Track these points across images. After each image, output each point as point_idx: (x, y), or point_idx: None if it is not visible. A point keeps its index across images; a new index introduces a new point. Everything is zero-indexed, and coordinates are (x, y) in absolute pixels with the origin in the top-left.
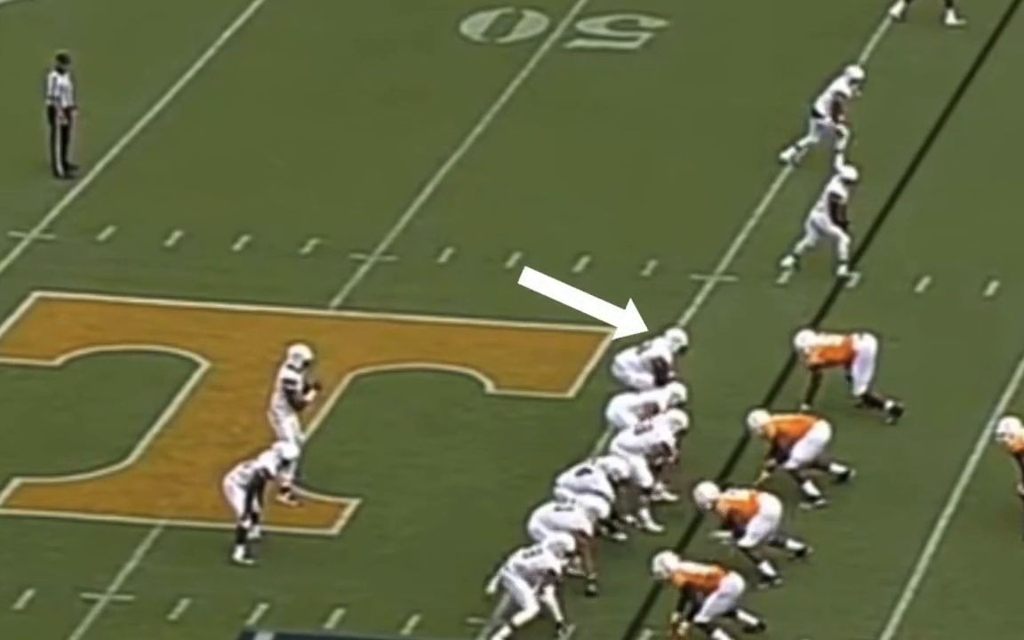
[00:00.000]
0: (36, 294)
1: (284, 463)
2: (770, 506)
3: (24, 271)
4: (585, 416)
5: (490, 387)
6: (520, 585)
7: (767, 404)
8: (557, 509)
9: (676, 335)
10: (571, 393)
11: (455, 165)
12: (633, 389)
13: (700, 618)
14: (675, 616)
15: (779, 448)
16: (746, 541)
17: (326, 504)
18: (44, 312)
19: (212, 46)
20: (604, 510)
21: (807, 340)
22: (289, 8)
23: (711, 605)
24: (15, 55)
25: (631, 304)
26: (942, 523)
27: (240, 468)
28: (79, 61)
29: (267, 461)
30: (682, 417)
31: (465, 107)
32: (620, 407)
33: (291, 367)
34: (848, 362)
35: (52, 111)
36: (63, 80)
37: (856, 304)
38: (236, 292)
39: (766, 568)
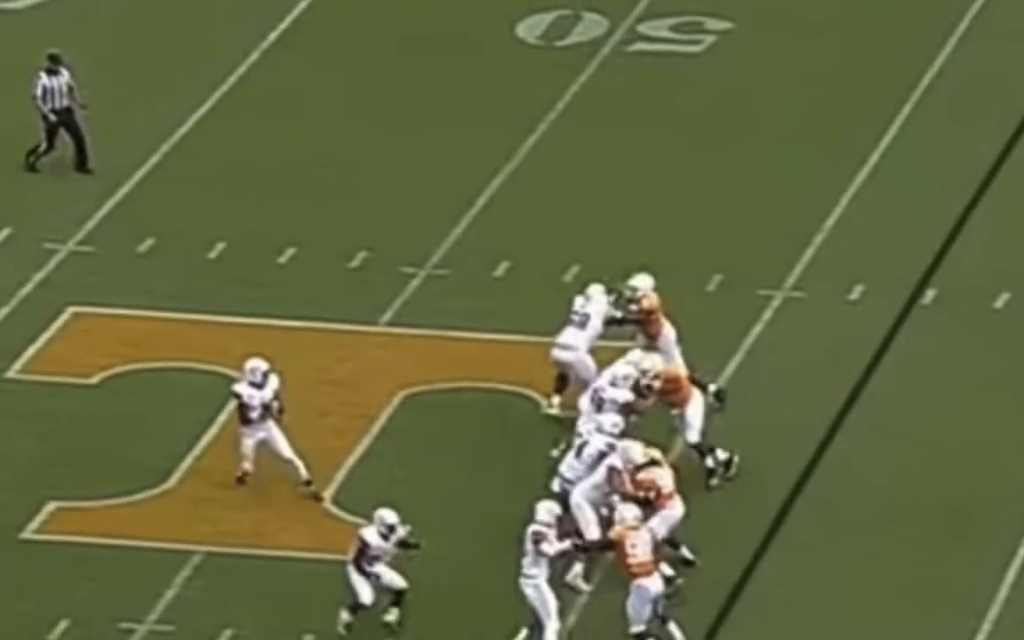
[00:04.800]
0: (72, 309)
1: (391, 529)
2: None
3: (59, 285)
4: (649, 438)
5: (547, 407)
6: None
7: (836, 426)
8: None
9: (626, 372)
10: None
11: (510, 175)
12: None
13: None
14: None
15: None
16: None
17: None
18: (80, 328)
19: (256, 50)
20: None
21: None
22: (336, 11)
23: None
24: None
25: (694, 321)
26: (1022, 551)
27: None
28: (118, 65)
29: (369, 534)
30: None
31: (520, 114)
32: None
33: (251, 383)
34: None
35: (56, 112)
36: (54, 81)
37: (931, 320)
38: (281, 307)
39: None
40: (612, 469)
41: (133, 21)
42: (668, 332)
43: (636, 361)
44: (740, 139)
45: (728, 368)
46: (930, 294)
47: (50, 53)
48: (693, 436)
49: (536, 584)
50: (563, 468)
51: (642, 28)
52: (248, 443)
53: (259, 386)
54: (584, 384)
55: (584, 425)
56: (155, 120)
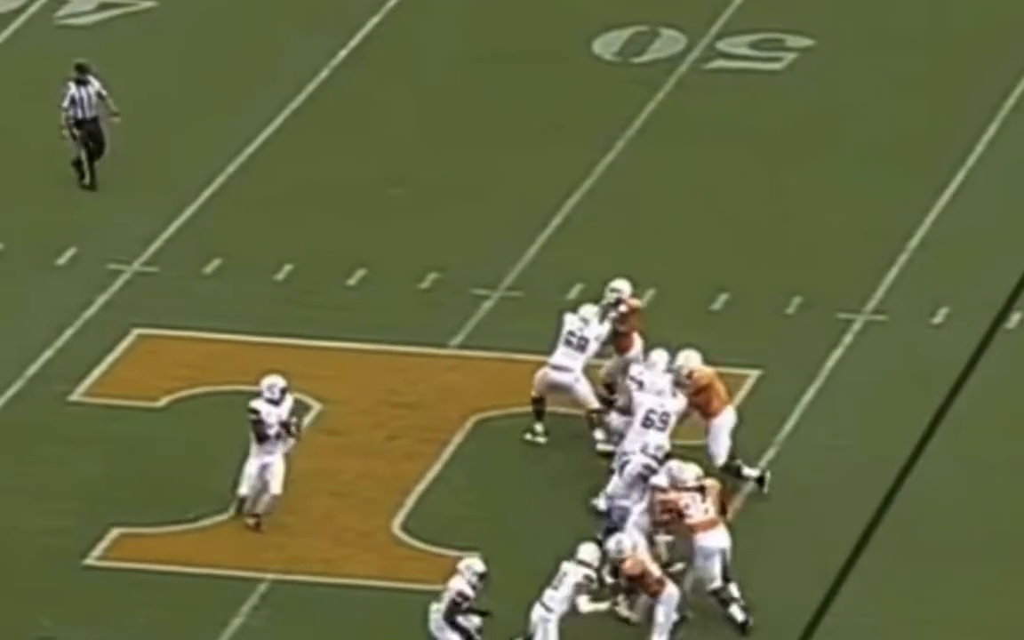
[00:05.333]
0: (137, 331)
1: (482, 578)
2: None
3: (124, 306)
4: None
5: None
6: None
7: (918, 452)
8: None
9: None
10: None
11: (585, 194)
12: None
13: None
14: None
15: None
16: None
17: (445, 558)
18: (145, 350)
19: (326, 66)
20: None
21: (692, 361)
22: (408, 26)
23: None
24: (113, 75)
25: (773, 345)
26: None
27: (435, 607)
28: (184, 81)
29: (460, 585)
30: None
31: (596, 132)
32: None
33: (269, 400)
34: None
35: (79, 123)
36: (83, 91)
37: (1016, 344)
38: (350, 329)
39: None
40: (654, 488)
41: (200, 36)
42: (638, 345)
43: (677, 367)
44: (821, 158)
45: (807, 393)
46: (1016, 317)
47: (78, 63)
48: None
49: (550, 619)
50: (609, 487)
51: (721, 45)
52: (254, 464)
53: (276, 403)
54: (583, 404)
55: (631, 444)
56: (222, 137)
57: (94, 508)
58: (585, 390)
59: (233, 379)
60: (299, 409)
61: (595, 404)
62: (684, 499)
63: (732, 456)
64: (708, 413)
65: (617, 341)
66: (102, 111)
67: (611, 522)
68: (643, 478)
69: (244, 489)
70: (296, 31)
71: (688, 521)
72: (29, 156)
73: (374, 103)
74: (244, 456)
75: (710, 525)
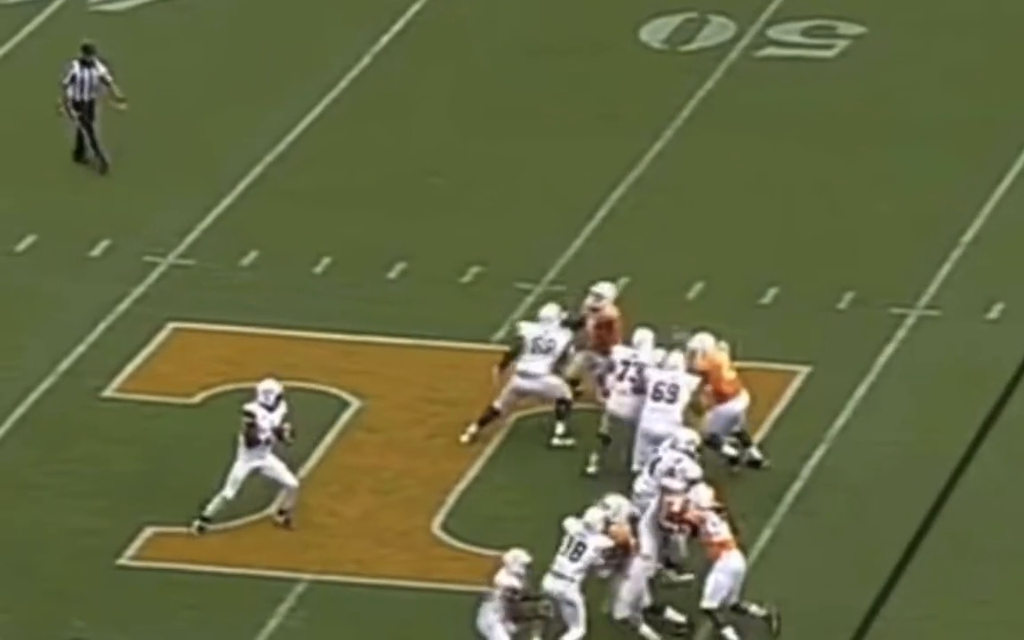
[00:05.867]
0: (172, 325)
1: (528, 568)
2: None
3: (159, 299)
4: (773, 465)
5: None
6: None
7: (971, 452)
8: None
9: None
10: (757, 439)
11: (631, 185)
12: None
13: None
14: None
15: None
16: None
17: (485, 558)
18: (181, 344)
19: (367, 54)
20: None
21: (705, 343)
22: (449, 14)
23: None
24: (149, 62)
25: (824, 340)
26: None
27: (487, 605)
28: (221, 70)
29: (509, 580)
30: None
31: (643, 121)
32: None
33: (263, 404)
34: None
35: (77, 104)
36: (86, 72)
37: None
38: (390, 324)
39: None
40: (665, 489)
41: (238, 23)
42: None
43: (691, 349)
44: (873, 148)
45: (859, 390)
46: None
47: (84, 43)
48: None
49: (573, 587)
50: (638, 485)
51: (771, 32)
52: (243, 469)
53: (271, 408)
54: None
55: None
56: (260, 127)
57: (127, 507)
58: (555, 382)
59: (270, 374)
60: (292, 415)
61: (567, 394)
62: (706, 517)
63: (746, 443)
64: (720, 397)
65: (597, 340)
66: (104, 96)
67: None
68: (671, 472)
69: (230, 492)
70: (337, 18)
71: (714, 539)
72: (62, 145)
73: (416, 92)
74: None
75: (730, 546)
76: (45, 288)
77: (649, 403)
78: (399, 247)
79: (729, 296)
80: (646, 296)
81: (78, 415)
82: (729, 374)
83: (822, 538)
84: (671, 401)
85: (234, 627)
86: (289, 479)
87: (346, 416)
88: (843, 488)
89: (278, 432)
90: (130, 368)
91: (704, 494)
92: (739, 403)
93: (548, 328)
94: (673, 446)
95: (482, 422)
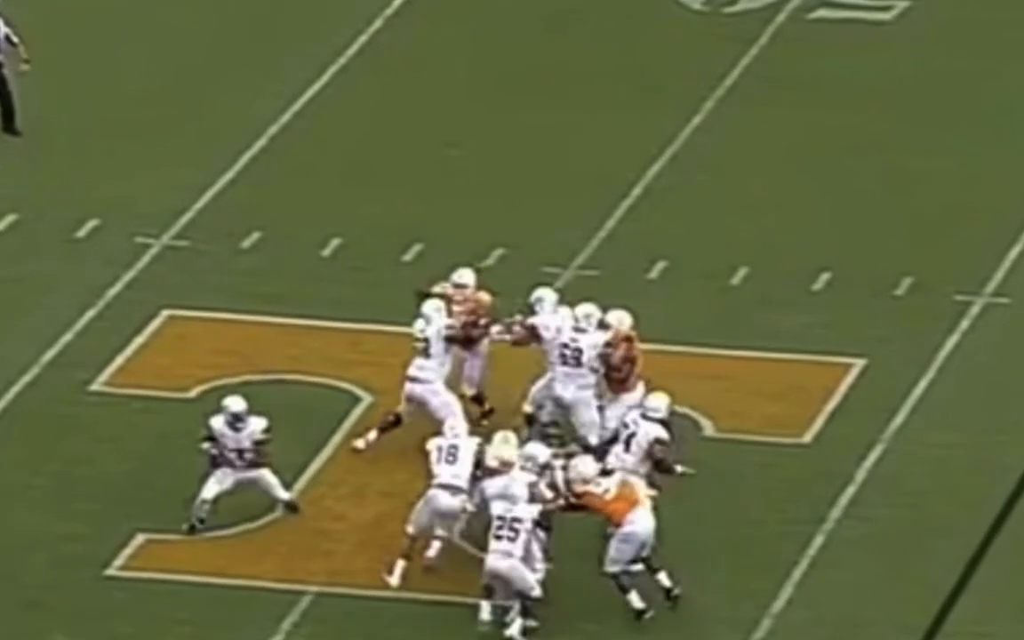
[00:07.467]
0: (166, 312)
1: (542, 527)
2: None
3: (152, 284)
4: (824, 466)
5: (709, 429)
6: None
7: None
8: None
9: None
10: (807, 438)
11: (669, 161)
12: None
13: (609, 568)
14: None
15: None
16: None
17: None
18: (175, 333)
19: (379, 17)
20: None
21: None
22: None
23: (616, 551)
24: (139, 23)
25: (881, 330)
26: None
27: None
28: (221, 35)
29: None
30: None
31: (682, 91)
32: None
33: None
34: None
35: None
36: None
37: None
38: (405, 312)
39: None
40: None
41: None
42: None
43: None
44: (933, 121)
45: (919, 384)
46: None
47: None
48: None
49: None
50: (610, 461)
51: None
52: (229, 480)
53: (236, 428)
54: (443, 421)
55: (632, 413)
56: (262, 96)
57: (116, 512)
58: (443, 403)
59: (273, 367)
60: (264, 438)
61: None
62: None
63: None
64: (623, 387)
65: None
66: (10, 56)
67: None
68: (659, 442)
69: (209, 494)
70: None
71: (609, 503)
72: (46, 119)
73: (432, 58)
74: (285, 454)
75: (631, 506)
76: (27, 271)
77: (560, 370)
78: (415, 227)
79: (776, 282)
80: (684, 283)
81: (63, 410)
82: (640, 361)
83: (877, 547)
84: (577, 364)
85: None
86: (283, 494)
87: (356, 412)
88: (900, 492)
89: (239, 452)
90: (120, 359)
91: (586, 463)
92: (637, 394)
93: (427, 327)
94: (644, 416)
95: (382, 429)
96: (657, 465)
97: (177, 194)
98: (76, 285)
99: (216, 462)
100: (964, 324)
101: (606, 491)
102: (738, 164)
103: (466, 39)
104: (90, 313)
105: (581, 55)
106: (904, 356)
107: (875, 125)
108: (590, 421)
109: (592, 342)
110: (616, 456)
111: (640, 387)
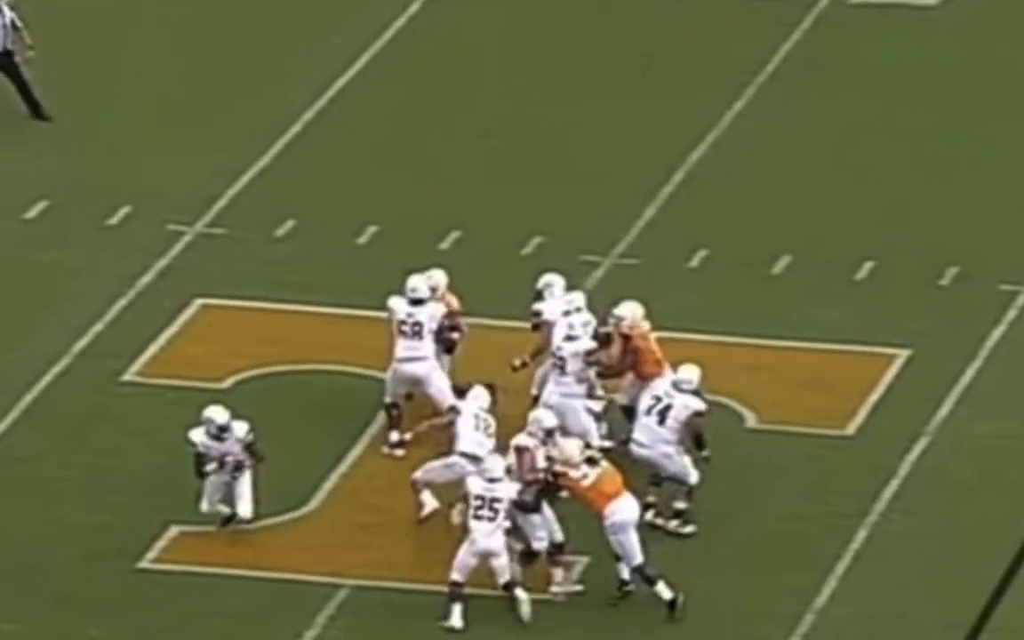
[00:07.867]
0: (199, 301)
1: (528, 509)
2: None
3: (186, 273)
4: (867, 458)
5: (751, 421)
6: None
7: None
8: None
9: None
10: (850, 430)
11: (710, 147)
12: None
13: (632, 563)
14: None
15: None
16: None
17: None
18: (209, 322)
19: (415, 1)
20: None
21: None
22: None
23: (618, 546)
24: (170, 6)
25: (925, 320)
26: None
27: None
28: (256, 20)
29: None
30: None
31: (724, 77)
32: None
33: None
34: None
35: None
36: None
37: None
38: None
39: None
40: (518, 449)
41: None
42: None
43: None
44: (980, 107)
45: (964, 376)
46: None
47: None
48: None
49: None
50: (637, 434)
51: None
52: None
53: (219, 439)
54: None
55: (662, 385)
56: (298, 82)
57: (149, 504)
58: (439, 388)
59: (307, 357)
60: (251, 439)
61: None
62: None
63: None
64: (641, 374)
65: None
66: (17, 43)
67: (655, 478)
68: (698, 415)
69: (205, 507)
70: None
71: (587, 490)
72: (79, 105)
73: (469, 43)
74: (320, 445)
75: (612, 495)
76: (58, 260)
77: (550, 373)
78: (452, 215)
79: (819, 271)
80: (725, 272)
81: (94, 401)
82: (655, 348)
83: (922, 541)
84: (562, 372)
85: (268, 637)
86: (244, 508)
87: None
88: (945, 486)
89: (220, 461)
90: (153, 349)
91: (572, 445)
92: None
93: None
94: (676, 387)
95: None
96: (696, 440)
97: (210, 182)
98: (108, 273)
99: (203, 473)
100: (1010, 314)
101: (584, 476)
102: (780, 151)
103: (503, 24)
104: (122, 302)
105: (620, 41)
106: (949, 347)
107: (919, 112)
108: (581, 430)
109: (574, 351)
110: (648, 428)
111: (667, 374)
